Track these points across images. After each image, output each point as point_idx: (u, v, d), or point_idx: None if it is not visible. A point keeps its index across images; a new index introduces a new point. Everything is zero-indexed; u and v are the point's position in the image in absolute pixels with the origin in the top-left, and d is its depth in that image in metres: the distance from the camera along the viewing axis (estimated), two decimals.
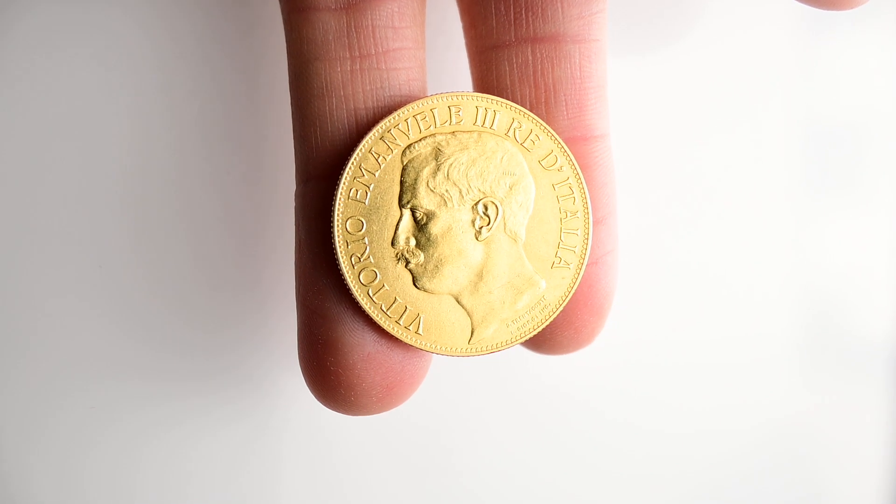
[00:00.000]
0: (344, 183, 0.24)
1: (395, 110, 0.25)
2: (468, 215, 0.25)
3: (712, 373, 0.33)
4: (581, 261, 0.26)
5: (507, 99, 0.26)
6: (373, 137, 0.25)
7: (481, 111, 0.25)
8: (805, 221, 0.33)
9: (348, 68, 0.25)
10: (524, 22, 0.26)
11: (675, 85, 0.32)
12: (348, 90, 0.25)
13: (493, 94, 0.26)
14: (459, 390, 0.31)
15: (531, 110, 0.26)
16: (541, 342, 0.26)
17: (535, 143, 0.25)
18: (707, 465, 0.33)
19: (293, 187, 0.26)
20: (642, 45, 0.32)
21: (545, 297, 0.26)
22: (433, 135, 0.25)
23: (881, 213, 0.33)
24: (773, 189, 0.33)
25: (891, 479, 0.34)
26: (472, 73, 0.27)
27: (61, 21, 0.29)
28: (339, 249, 0.24)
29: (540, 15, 0.26)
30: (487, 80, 0.26)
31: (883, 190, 0.33)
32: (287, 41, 0.26)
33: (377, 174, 0.25)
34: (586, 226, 0.26)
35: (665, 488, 0.33)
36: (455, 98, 0.25)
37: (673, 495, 0.33)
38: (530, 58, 0.26)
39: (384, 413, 0.26)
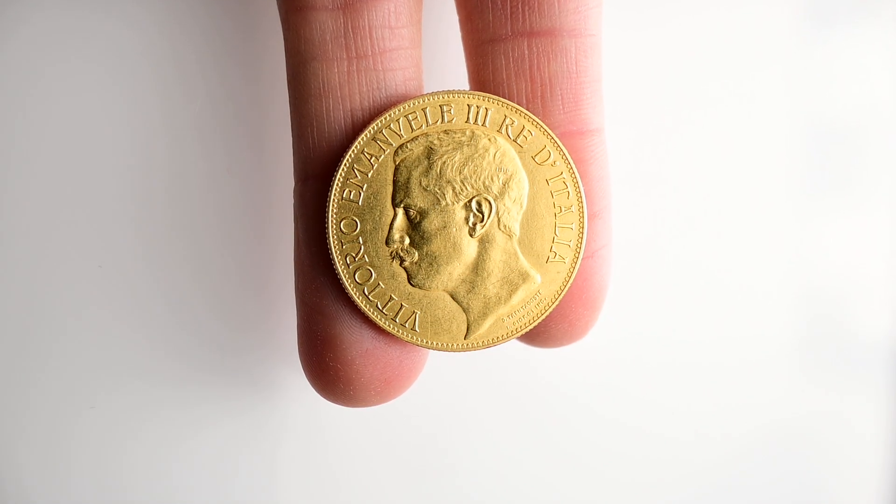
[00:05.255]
0: (337, 184, 0.25)
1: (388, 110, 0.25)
2: (462, 213, 0.25)
3: (709, 372, 0.33)
4: (576, 255, 0.26)
5: (503, 93, 0.26)
6: (365, 138, 0.25)
7: (472, 109, 0.25)
8: (804, 220, 0.33)
9: (345, 69, 0.25)
10: (520, 16, 0.26)
11: (674, 82, 0.32)
12: (345, 90, 0.25)
13: (489, 89, 0.26)
14: (457, 385, 0.32)
15: (527, 105, 0.26)
16: (535, 336, 0.27)
17: (528, 138, 0.26)
18: (703, 465, 0.33)
19: (292, 185, 0.26)
20: (640, 42, 0.31)
21: (540, 291, 0.26)
22: (425, 134, 0.25)
23: (880, 213, 0.33)
24: (771, 187, 0.33)
25: (890, 480, 0.34)
26: (468, 68, 0.27)
27: (61, 21, 0.30)
28: (333, 249, 0.25)
29: (536, 9, 0.26)
30: (483, 74, 0.26)
31: (882, 189, 0.33)
32: (285, 41, 0.26)
33: (370, 174, 0.25)
34: (581, 220, 0.26)
35: (662, 489, 0.33)
36: (446, 97, 0.25)
37: (669, 496, 0.33)
38: (526, 52, 0.26)
39: (383, 407, 0.26)
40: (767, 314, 0.33)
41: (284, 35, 0.26)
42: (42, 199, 0.30)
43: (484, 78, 0.26)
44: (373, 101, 0.25)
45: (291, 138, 0.26)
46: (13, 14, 0.30)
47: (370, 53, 0.25)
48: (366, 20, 0.25)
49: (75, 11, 0.30)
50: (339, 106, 0.25)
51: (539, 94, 0.26)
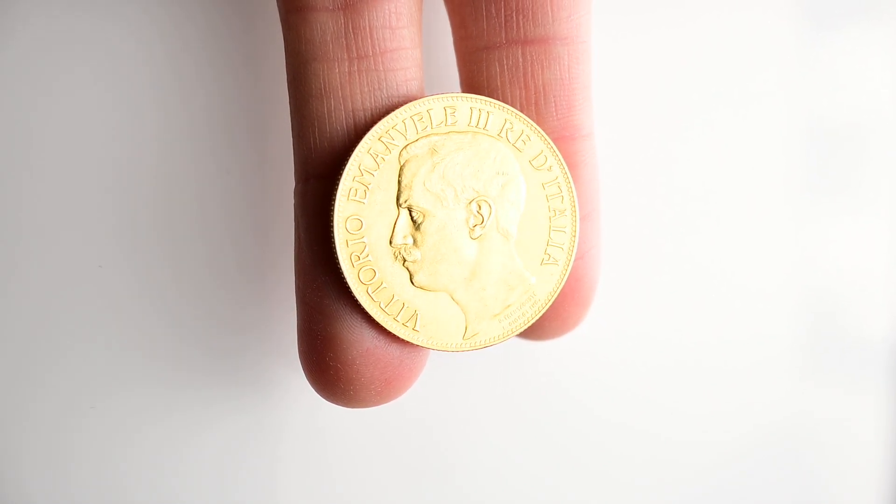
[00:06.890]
0: (343, 182, 0.25)
1: (393, 111, 0.25)
2: (462, 214, 0.26)
3: (710, 373, 0.33)
4: (569, 257, 0.27)
5: (498, 100, 0.27)
6: (371, 138, 0.25)
7: (475, 112, 0.26)
8: (803, 222, 0.33)
9: (346, 69, 0.25)
10: (515, 24, 0.26)
11: (669, 85, 0.33)
12: (346, 91, 0.25)
13: (483, 95, 0.27)
14: (457, 385, 0.32)
15: (521, 111, 0.27)
16: (528, 331, 0.28)
17: (526, 143, 0.26)
18: (703, 466, 0.33)
19: (293, 185, 0.26)
20: (632, 46, 0.32)
21: (535, 292, 0.26)
22: (429, 135, 0.26)
23: (881, 214, 0.34)
24: (769, 188, 0.33)
25: (891, 481, 0.34)
26: (461, 74, 0.28)
27: (60, 20, 0.29)
28: (339, 249, 0.25)
29: (531, 17, 0.26)
30: (477, 81, 0.27)
31: (883, 190, 0.34)
32: (285, 41, 0.26)
33: (376, 174, 0.25)
34: (574, 223, 0.27)
35: (661, 489, 0.33)
36: (450, 99, 0.26)
37: (669, 496, 0.34)
38: (521, 59, 0.26)
39: (382, 407, 0.26)
40: (767, 315, 0.33)
41: (284, 36, 0.26)
42: (42, 200, 0.30)
43: (478, 84, 0.27)
44: (374, 101, 0.25)
45: (291, 139, 0.26)
46: (13, 14, 0.29)
47: (371, 54, 0.25)
48: (366, 21, 0.25)
49: (74, 11, 0.29)
50: (340, 106, 0.25)
51: (533, 101, 0.27)
